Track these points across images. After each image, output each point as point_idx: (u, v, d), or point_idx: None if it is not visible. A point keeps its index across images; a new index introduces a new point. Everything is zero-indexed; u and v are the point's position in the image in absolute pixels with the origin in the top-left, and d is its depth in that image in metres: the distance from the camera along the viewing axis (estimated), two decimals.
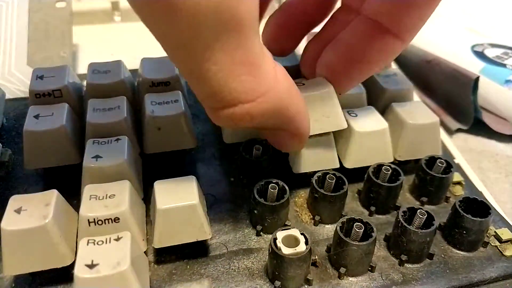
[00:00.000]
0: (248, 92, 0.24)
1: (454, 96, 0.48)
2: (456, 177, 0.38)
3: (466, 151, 0.46)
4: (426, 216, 0.31)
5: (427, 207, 0.36)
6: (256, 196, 0.32)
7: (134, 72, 0.41)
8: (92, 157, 0.32)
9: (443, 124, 0.48)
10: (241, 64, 0.23)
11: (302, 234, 0.29)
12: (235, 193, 0.36)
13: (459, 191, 0.38)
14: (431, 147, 0.38)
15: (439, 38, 0.54)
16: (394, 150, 0.37)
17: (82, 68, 0.49)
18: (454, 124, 0.48)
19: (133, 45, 0.51)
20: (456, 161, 0.42)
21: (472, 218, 0.32)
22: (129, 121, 0.35)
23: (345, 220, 0.31)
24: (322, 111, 0.32)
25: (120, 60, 0.39)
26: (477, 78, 0.46)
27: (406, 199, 0.37)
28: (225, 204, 0.35)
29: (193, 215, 0.29)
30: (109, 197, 0.29)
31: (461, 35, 0.55)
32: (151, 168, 0.37)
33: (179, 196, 0.30)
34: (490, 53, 0.53)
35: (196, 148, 0.38)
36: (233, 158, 0.38)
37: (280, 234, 0.29)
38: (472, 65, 0.50)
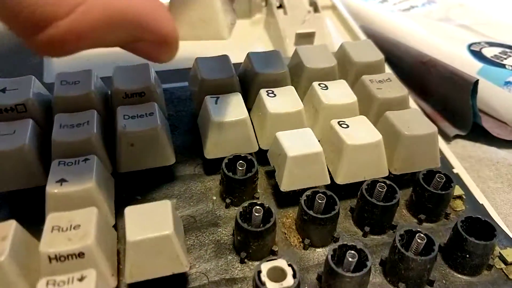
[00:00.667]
0: (60, 3, 0.19)
1: (452, 100, 0.45)
2: (456, 190, 0.35)
3: (465, 159, 0.43)
4: (425, 240, 0.28)
5: (426, 226, 0.34)
6: (239, 221, 0.29)
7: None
8: (57, 181, 0.29)
9: (440, 130, 0.45)
10: None
11: (289, 265, 0.26)
12: (217, 214, 0.33)
13: (459, 206, 0.35)
14: (429, 159, 0.35)
15: (434, 37, 0.51)
16: (389, 163, 0.34)
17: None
18: (452, 130, 0.45)
19: (111, 49, 0.48)
20: (455, 171, 0.39)
21: (476, 241, 0.29)
22: (99, 137, 0.32)
23: (337, 247, 0.28)
24: (198, 14, 0.27)
25: (90, 70, 0.36)
26: (477, 82, 0.43)
27: (402, 217, 0.34)
28: (206, 227, 0.32)
29: (168, 247, 0.26)
30: (74, 228, 0.26)
31: (457, 34, 0.52)
32: (124, 188, 0.34)
33: (152, 225, 0.27)
34: (488, 52, 0.50)
35: (175, 164, 0.35)
36: (215, 175, 0.35)
37: (265, 266, 0.26)
38: (469, 66, 0.48)
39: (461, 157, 0.43)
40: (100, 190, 0.29)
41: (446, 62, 0.46)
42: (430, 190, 0.32)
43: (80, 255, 0.25)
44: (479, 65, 0.48)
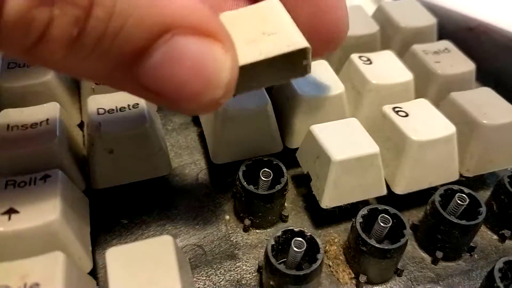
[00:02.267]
0: None
1: (510, 74, 0.36)
2: None
3: None
4: None
5: (510, 244, 0.25)
6: (273, 261, 0.20)
7: None
8: (3, 213, 0.19)
9: None
10: None
11: None
12: (234, 241, 0.24)
13: None
14: (509, 155, 0.26)
15: None
16: (460, 163, 0.26)
17: None
18: None
19: None
20: None
21: None
22: (65, 142, 0.23)
23: None
24: (261, 28, 0.19)
25: None
26: None
27: (479, 232, 0.26)
28: (220, 261, 0.23)
29: None
30: None
31: None
32: (104, 209, 0.24)
33: (147, 279, 0.18)
34: None
35: (171, 174, 0.26)
36: (226, 185, 0.26)
37: None
38: None
39: None
40: (69, 223, 0.20)
41: (502, 28, 0.37)
42: None
43: None
44: None
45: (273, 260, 0.20)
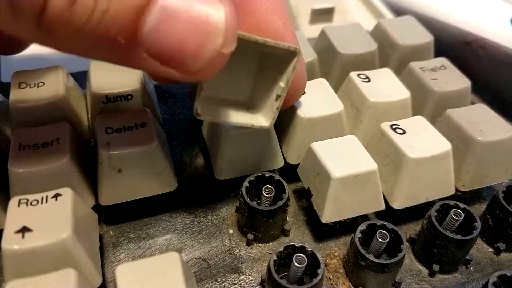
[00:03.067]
0: None
1: (507, 87, 0.37)
2: None
3: None
4: None
5: (505, 257, 0.26)
6: (275, 275, 0.21)
7: None
8: (17, 231, 0.20)
9: None
10: None
11: None
12: (237, 254, 0.25)
13: None
14: (504, 170, 0.27)
15: (472, 12, 0.43)
16: (456, 178, 0.26)
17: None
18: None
19: None
20: None
21: None
22: (75, 161, 0.23)
23: None
24: None
25: (58, 66, 0.27)
26: None
27: (474, 245, 0.27)
28: (224, 274, 0.24)
29: None
30: None
31: (497, 7, 0.44)
32: (111, 223, 0.25)
33: None
34: None
35: (176, 189, 0.27)
36: (229, 199, 0.27)
37: None
38: None
39: None
40: (80, 240, 0.21)
41: (499, 43, 0.38)
42: None
43: None
44: None
45: (275, 275, 0.21)
